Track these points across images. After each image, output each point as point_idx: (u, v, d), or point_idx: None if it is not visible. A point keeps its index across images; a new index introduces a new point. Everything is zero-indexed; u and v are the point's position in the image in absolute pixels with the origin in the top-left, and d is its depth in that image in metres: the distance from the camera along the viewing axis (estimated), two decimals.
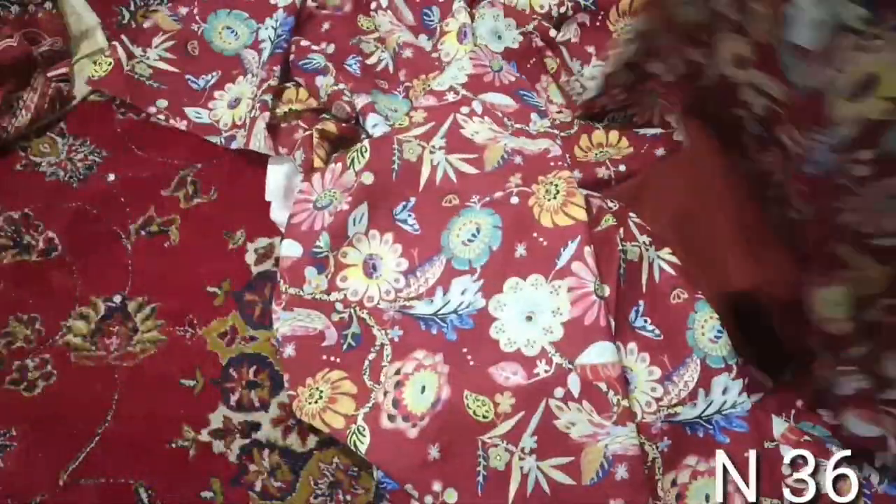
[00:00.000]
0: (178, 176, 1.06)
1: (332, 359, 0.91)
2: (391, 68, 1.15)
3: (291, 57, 1.12)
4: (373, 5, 1.20)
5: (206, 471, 0.89)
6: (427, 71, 1.11)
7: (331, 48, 1.16)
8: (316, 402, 0.88)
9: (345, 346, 0.92)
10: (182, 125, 1.10)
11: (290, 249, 0.96)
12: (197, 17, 1.17)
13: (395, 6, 1.19)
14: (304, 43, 1.14)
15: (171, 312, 0.97)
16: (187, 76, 1.14)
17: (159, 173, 1.06)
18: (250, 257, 1.01)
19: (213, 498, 0.87)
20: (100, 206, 1.04)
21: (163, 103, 1.11)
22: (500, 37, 1.15)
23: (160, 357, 0.95)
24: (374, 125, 1.05)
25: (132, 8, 1.20)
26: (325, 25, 1.18)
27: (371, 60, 1.16)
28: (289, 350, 0.91)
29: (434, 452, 0.84)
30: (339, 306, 0.94)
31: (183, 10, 1.18)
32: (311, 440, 0.91)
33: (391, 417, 0.86)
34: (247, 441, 0.90)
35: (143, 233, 1.02)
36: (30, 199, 1.04)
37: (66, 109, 1.11)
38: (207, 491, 0.88)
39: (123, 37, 1.14)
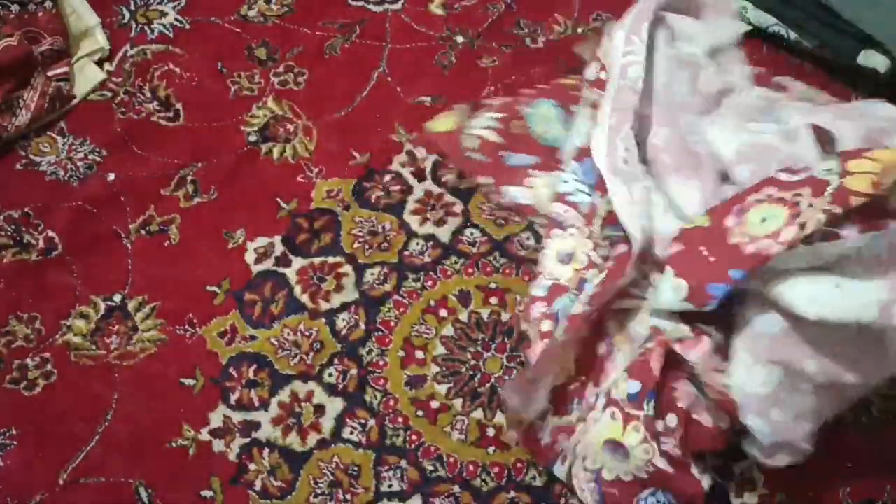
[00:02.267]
0: (178, 175, 1.06)
1: None
2: None
3: None
4: None
5: (206, 470, 0.89)
6: None
7: None
8: None
9: None
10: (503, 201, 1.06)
11: None
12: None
13: None
14: None
15: (171, 312, 0.97)
16: (502, 152, 1.07)
17: (159, 173, 1.07)
18: (250, 257, 1.01)
19: (213, 497, 0.87)
20: (100, 206, 1.04)
21: (487, 180, 1.07)
22: None
23: (160, 356, 0.95)
24: None
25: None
26: None
27: None
28: None
29: None
30: None
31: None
32: (311, 439, 0.91)
33: None
34: (246, 440, 0.90)
35: (142, 232, 1.02)
36: (30, 199, 1.04)
37: (66, 109, 1.11)
38: (207, 490, 0.88)
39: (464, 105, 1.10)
